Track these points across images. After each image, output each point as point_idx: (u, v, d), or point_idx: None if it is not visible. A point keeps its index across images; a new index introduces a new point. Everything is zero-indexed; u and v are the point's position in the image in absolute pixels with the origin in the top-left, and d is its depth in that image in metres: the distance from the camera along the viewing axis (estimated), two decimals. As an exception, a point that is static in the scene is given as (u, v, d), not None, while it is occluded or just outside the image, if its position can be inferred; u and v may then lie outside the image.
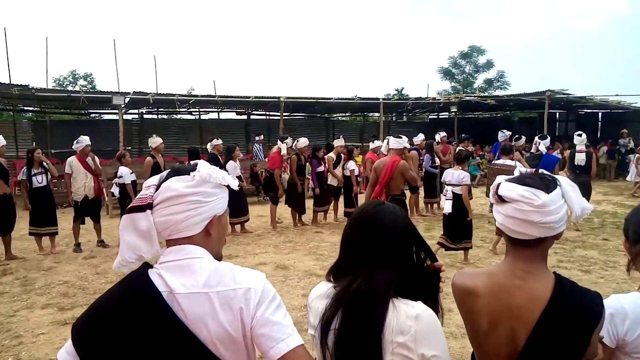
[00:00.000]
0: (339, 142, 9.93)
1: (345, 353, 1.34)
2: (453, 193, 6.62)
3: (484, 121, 24.90)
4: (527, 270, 1.42)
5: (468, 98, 19.56)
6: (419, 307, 1.33)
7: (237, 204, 8.71)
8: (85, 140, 7.96)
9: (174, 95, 14.58)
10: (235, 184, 1.42)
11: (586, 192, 8.59)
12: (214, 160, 8.69)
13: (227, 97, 15.21)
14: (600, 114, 22.63)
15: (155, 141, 8.49)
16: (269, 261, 6.98)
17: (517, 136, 9.87)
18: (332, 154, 9.80)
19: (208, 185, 1.33)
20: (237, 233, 8.79)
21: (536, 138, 8.54)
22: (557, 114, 23.38)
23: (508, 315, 1.41)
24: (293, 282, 6.04)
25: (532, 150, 8.79)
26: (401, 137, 6.64)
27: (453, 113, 20.04)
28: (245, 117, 20.43)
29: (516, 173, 1.50)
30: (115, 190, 8.26)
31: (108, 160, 13.96)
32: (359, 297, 1.34)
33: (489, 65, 34.15)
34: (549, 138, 8.84)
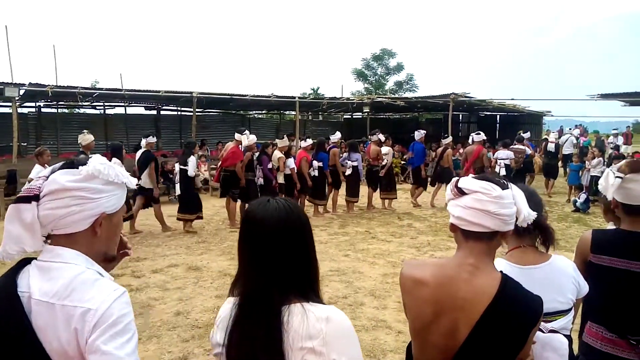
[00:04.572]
0: (282, 142, 9.94)
1: None
2: (505, 165, 11.06)
3: (394, 121, 25.92)
4: (476, 266, 1.48)
5: (379, 99, 20.20)
6: (329, 310, 1.26)
7: (187, 200, 8.70)
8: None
9: (75, 87, 13.60)
10: (133, 183, 1.38)
11: (554, 171, 13.42)
12: (147, 157, 8.59)
13: (135, 91, 14.46)
14: (498, 116, 24.47)
15: (86, 138, 8.02)
16: (180, 263, 6.75)
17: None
18: (278, 152, 9.72)
19: (97, 182, 1.27)
20: (191, 228, 8.72)
21: (520, 132, 13.62)
22: (460, 115, 24.91)
23: (452, 306, 1.46)
24: (206, 283, 5.89)
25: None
26: (480, 134, 11.08)
27: (366, 113, 20.63)
28: (155, 112, 19.59)
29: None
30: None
31: (0, 158, 12.86)
32: (248, 311, 1.27)
33: (399, 68, 35.52)
34: (529, 132, 15.52)
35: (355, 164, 10.66)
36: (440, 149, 11.95)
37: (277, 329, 1.22)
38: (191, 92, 14.28)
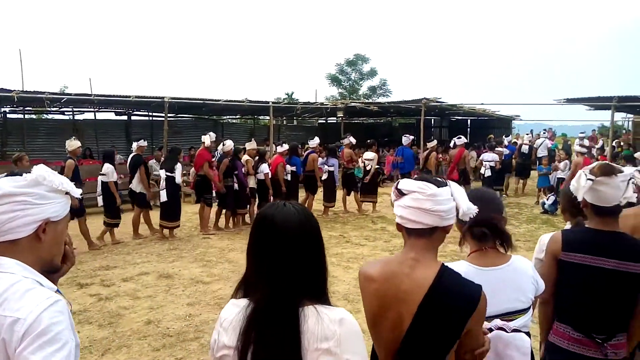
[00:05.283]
0: (250, 145, 9.87)
1: None
2: (490, 167, 11.89)
3: (368, 126, 26.06)
4: (417, 259, 1.56)
5: (353, 104, 20.28)
6: (341, 312, 1.30)
7: (173, 208, 8.63)
8: None
9: (43, 93, 13.25)
10: (77, 192, 1.40)
11: (526, 171, 13.94)
12: (136, 161, 8.58)
13: (104, 96, 14.16)
14: (469, 121, 24.89)
15: (72, 144, 7.98)
16: (151, 270, 6.62)
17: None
18: (247, 156, 9.61)
19: (41, 188, 1.29)
20: (173, 237, 8.67)
21: (503, 137, 15.65)
22: (433, 120, 25.27)
23: (395, 300, 1.53)
24: (178, 291, 5.79)
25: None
26: (461, 138, 11.59)
27: (340, 118, 20.72)
28: (125, 117, 19.23)
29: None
30: None
31: (-38, 165, 12.41)
32: (267, 314, 1.28)
33: (372, 73, 35.80)
34: (510, 136, 17.20)
35: (331, 169, 10.69)
36: (425, 153, 12.18)
37: (297, 331, 1.25)
38: (163, 97, 14.05)
